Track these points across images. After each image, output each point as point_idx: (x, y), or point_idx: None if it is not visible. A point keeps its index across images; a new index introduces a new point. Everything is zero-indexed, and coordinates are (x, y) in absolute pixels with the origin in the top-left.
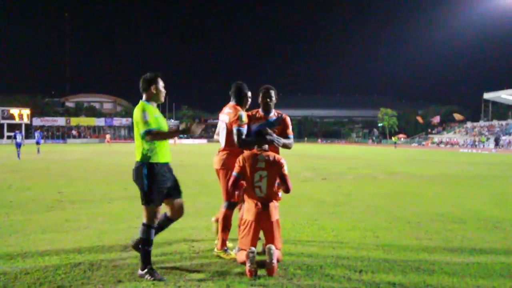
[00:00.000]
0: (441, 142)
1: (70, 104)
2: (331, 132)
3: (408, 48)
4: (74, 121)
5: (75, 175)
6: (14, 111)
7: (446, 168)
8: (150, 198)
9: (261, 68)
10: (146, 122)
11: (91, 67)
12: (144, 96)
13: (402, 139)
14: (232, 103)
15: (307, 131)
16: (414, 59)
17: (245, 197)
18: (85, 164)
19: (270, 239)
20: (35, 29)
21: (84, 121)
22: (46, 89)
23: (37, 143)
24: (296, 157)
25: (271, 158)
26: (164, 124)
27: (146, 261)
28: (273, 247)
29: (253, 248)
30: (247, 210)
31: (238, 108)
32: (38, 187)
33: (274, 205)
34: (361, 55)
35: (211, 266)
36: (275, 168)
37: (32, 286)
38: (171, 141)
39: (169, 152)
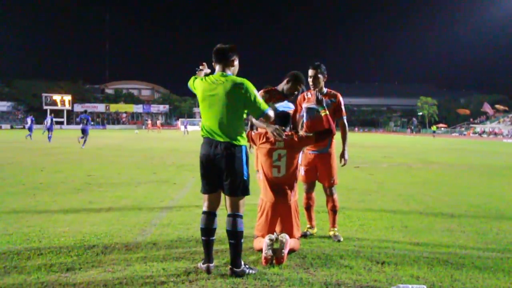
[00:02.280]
0: (483, 132)
1: (109, 90)
2: (369, 121)
3: (450, 35)
4: (113, 107)
5: (107, 159)
6: (57, 97)
7: (486, 158)
8: (249, 186)
9: (298, 56)
10: (263, 102)
11: (130, 55)
12: (229, 71)
13: (442, 128)
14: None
15: None
16: (456, 46)
17: (263, 178)
18: (119, 149)
19: (287, 226)
20: (77, 18)
21: (122, 107)
22: (87, 76)
23: (49, 130)
24: None
25: (291, 136)
26: None
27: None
28: (286, 236)
29: (272, 236)
30: (263, 193)
31: (273, 91)
32: (69, 170)
33: (292, 186)
34: (401, 43)
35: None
36: (293, 146)
37: (42, 267)
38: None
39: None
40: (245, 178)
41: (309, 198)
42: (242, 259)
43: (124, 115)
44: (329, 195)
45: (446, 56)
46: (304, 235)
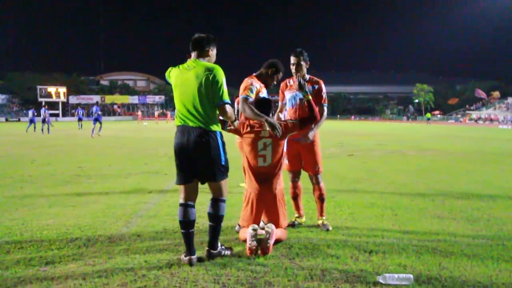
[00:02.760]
0: (479, 118)
1: (104, 82)
2: (365, 109)
3: (446, 21)
4: (108, 99)
5: (99, 151)
6: (52, 89)
7: (480, 144)
8: (228, 167)
9: (294, 44)
10: (227, 92)
11: (125, 46)
12: (204, 60)
13: (438, 116)
14: (254, 74)
15: (340, 108)
16: (452, 33)
17: (247, 168)
18: (112, 141)
19: (272, 215)
20: (71, 9)
21: (118, 99)
22: (82, 68)
23: (80, 119)
24: (325, 133)
25: None
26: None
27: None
28: (272, 227)
29: (255, 226)
30: (248, 183)
31: (255, 79)
32: (60, 162)
33: (277, 176)
34: (397, 30)
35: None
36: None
37: (21, 261)
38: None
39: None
40: (223, 163)
41: (295, 187)
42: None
43: (115, 106)
44: (315, 184)
45: (442, 43)
46: (292, 225)
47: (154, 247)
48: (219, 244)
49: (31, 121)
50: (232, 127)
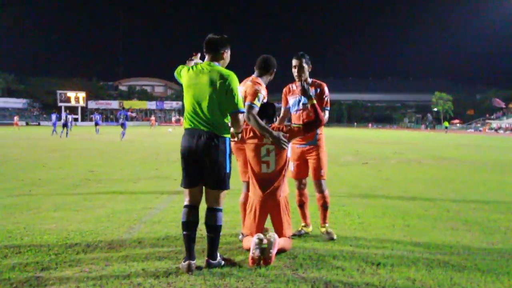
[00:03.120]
0: (499, 128)
1: (123, 87)
2: (383, 117)
3: (466, 29)
4: (127, 104)
5: (113, 155)
6: (71, 94)
7: (500, 154)
8: (229, 180)
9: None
10: (242, 100)
11: (144, 52)
12: (218, 62)
13: (457, 124)
14: (254, 76)
15: (358, 116)
16: (473, 40)
17: (250, 174)
18: (127, 145)
19: (276, 224)
20: (91, 15)
21: (136, 104)
22: (101, 73)
23: (96, 124)
24: (341, 141)
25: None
26: None
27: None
28: (275, 236)
29: (261, 235)
30: (251, 189)
31: (259, 83)
32: (72, 166)
33: (281, 182)
34: (416, 37)
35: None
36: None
37: (17, 267)
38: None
39: None
40: (227, 171)
41: (301, 194)
42: (218, 251)
43: (129, 113)
44: (319, 191)
45: (462, 50)
46: (299, 234)
47: (154, 255)
48: (218, 254)
49: (54, 125)
50: (236, 138)
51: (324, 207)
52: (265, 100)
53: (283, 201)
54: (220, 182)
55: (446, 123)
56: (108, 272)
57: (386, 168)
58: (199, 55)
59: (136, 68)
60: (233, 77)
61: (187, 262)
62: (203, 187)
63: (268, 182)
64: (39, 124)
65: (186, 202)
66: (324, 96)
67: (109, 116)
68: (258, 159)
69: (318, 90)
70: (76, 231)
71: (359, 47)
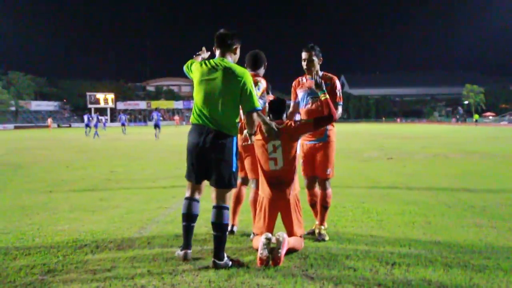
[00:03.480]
0: None
1: (150, 88)
2: (412, 111)
3: (498, 18)
4: (154, 104)
5: (136, 155)
6: (100, 96)
7: None
8: (236, 179)
9: (337, 46)
10: (257, 98)
11: (170, 52)
12: (230, 58)
13: (490, 117)
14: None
15: (386, 110)
16: (505, 30)
17: (260, 172)
18: (151, 145)
19: (286, 223)
20: (119, 18)
21: (163, 104)
22: (129, 74)
23: (123, 124)
24: (367, 136)
25: (284, 126)
26: None
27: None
28: (284, 235)
29: (269, 234)
30: (261, 188)
31: (258, 75)
32: (94, 166)
33: (291, 180)
34: (445, 27)
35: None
36: (289, 135)
37: (24, 269)
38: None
39: None
40: (234, 170)
41: (312, 194)
42: (226, 252)
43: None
44: (323, 189)
45: (494, 41)
46: (313, 233)
47: (162, 255)
48: (225, 255)
49: (87, 125)
50: (249, 142)
51: (324, 206)
52: (264, 91)
53: (293, 199)
54: (227, 180)
55: (476, 116)
56: (113, 274)
57: (411, 163)
58: (204, 49)
59: (163, 68)
60: (248, 75)
61: (183, 251)
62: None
63: (277, 180)
64: (70, 126)
65: (187, 195)
66: (337, 91)
67: (137, 117)
68: (266, 156)
69: (329, 84)
70: (88, 232)
71: (387, 41)
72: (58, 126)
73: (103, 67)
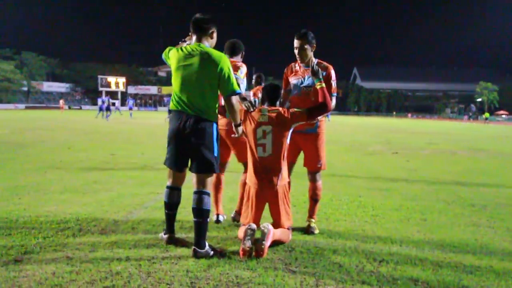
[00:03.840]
0: None
1: (162, 73)
2: (423, 107)
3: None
4: (165, 89)
5: (138, 139)
6: (111, 79)
7: None
8: (217, 163)
9: (351, 39)
10: (235, 81)
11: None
12: (207, 42)
13: (503, 116)
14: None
15: (397, 105)
16: None
17: (248, 159)
18: (156, 130)
19: (273, 214)
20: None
21: None
22: (141, 59)
23: (130, 108)
24: (374, 130)
25: (276, 111)
26: None
27: (206, 235)
28: (269, 226)
29: (253, 225)
30: (248, 177)
31: (234, 60)
32: (96, 148)
33: (278, 168)
34: (459, 23)
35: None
36: (281, 122)
37: (0, 249)
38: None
39: None
40: (215, 155)
41: (315, 188)
42: (207, 240)
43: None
44: (312, 181)
45: (509, 38)
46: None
47: (144, 242)
48: (206, 243)
49: (100, 108)
50: (236, 135)
51: (314, 199)
52: (245, 76)
53: (282, 190)
54: (207, 165)
55: (486, 114)
56: (89, 259)
57: (416, 158)
58: (193, 37)
59: None
60: (225, 59)
61: (167, 235)
62: (186, 170)
63: (264, 169)
64: (80, 108)
65: (168, 184)
66: (332, 81)
67: (147, 101)
68: (254, 142)
69: (324, 73)
70: (74, 214)
71: (401, 34)
72: (69, 108)
73: (116, 51)
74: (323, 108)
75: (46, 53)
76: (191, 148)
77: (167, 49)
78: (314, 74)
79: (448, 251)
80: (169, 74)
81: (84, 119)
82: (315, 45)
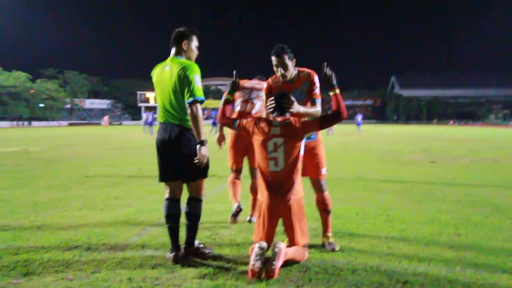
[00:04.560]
0: None
1: None
2: (466, 113)
3: None
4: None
5: None
6: (150, 94)
7: None
8: (207, 168)
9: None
10: (198, 89)
11: (218, 52)
12: (182, 55)
13: None
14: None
15: (438, 112)
16: None
17: (258, 173)
18: None
19: (288, 231)
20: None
21: (211, 103)
22: None
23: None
24: (411, 138)
25: (288, 122)
26: None
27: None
28: (280, 244)
29: (263, 243)
30: (259, 191)
31: None
32: (124, 163)
33: (292, 183)
34: (502, 26)
35: (216, 260)
36: (293, 133)
37: (3, 270)
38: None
39: None
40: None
41: (323, 199)
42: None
43: (206, 111)
44: (319, 191)
45: None
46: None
47: (150, 261)
48: (196, 241)
49: (145, 123)
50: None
51: (326, 210)
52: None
53: (296, 205)
54: (197, 173)
55: None
56: (90, 280)
57: (455, 167)
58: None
59: (211, 68)
60: (190, 66)
61: (173, 253)
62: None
63: (277, 183)
64: (120, 124)
65: (166, 195)
66: (315, 87)
67: (209, 116)
68: (265, 156)
69: (307, 83)
70: (86, 231)
71: (441, 41)
72: (110, 123)
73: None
74: (337, 116)
75: (88, 71)
76: (178, 159)
77: (154, 68)
78: (328, 80)
79: (482, 271)
80: (205, 87)
81: (120, 134)
82: (294, 58)
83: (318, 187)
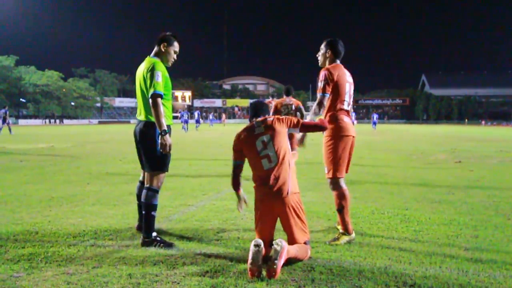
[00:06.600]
0: None
1: (226, 86)
2: (499, 113)
3: None
4: (229, 102)
5: (190, 150)
6: (178, 93)
7: None
8: (164, 163)
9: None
10: (158, 84)
11: (247, 51)
12: (157, 56)
13: None
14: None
15: (470, 112)
16: None
17: (253, 176)
18: (214, 141)
19: (286, 228)
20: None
21: (239, 102)
22: (206, 73)
23: (197, 122)
24: (439, 138)
25: (269, 119)
26: (170, 87)
27: (152, 227)
28: (282, 242)
29: (259, 241)
30: (255, 188)
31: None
32: None
33: (287, 178)
34: None
35: (219, 258)
36: (277, 126)
37: (6, 263)
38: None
39: (171, 113)
40: (158, 154)
41: (340, 197)
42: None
43: (236, 109)
44: (332, 190)
45: None
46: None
47: (153, 258)
48: (154, 234)
49: (184, 121)
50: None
51: (336, 209)
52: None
53: (292, 200)
54: (151, 164)
55: None
56: (89, 276)
57: (481, 168)
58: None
59: (239, 67)
60: (152, 64)
61: (137, 223)
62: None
63: (273, 179)
64: None
65: (140, 178)
66: (319, 81)
67: (213, 114)
68: (256, 155)
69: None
70: (94, 227)
71: (472, 39)
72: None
73: (182, 66)
74: (318, 128)
75: (117, 71)
76: (140, 151)
77: None
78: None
79: (497, 275)
80: (233, 86)
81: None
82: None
83: (329, 185)
